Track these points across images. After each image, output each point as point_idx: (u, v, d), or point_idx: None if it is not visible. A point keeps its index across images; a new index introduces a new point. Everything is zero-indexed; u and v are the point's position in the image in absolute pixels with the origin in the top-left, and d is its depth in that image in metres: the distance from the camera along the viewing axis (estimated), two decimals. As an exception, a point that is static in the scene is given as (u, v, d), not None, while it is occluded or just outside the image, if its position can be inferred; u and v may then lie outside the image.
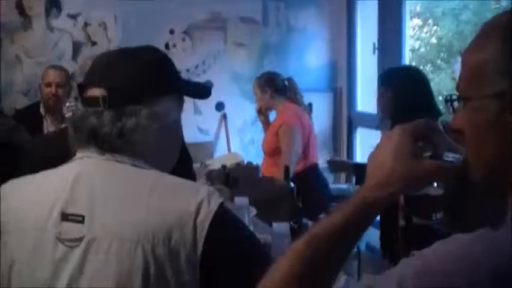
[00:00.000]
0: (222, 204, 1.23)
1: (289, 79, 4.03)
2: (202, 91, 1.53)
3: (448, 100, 0.94)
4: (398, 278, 0.78)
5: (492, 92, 0.83)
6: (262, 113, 4.11)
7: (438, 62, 7.44)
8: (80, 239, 1.21)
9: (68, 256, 1.22)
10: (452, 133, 0.95)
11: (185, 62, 5.07)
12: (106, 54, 1.44)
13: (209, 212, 1.20)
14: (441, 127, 1.00)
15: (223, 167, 3.40)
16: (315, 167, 3.96)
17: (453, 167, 0.95)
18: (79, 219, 1.22)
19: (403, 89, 2.95)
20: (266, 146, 3.94)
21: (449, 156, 0.98)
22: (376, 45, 4.96)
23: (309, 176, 3.80)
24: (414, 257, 0.82)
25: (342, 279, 1.85)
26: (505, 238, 0.78)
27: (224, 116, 5.21)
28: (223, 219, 1.22)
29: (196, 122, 5.13)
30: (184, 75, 5.08)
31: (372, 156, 1.01)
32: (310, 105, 5.22)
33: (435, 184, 1.66)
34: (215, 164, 3.92)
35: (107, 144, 1.29)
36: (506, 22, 0.83)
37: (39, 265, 1.25)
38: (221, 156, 4.65)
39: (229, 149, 5.21)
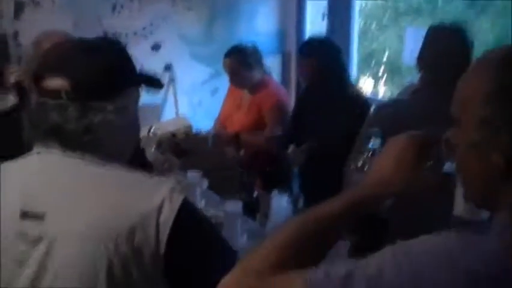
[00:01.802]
0: (183, 201, 1.23)
1: (255, 46, 3.78)
2: (157, 82, 1.51)
3: None
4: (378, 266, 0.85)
5: (479, 118, 0.88)
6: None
7: (384, 21, 7.53)
8: (41, 238, 1.20)
9: (30, 254, 1.20)
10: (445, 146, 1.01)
11: (133, 23, 4.96)
12: (65, 44, 1.40)
13: (171, 211, 1.20)
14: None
15: (173, 135, 3.38)
16: None
17: (448, 181, 1.04)
18: (39, 217, 1.20)
19: (327, 57, 3.22)
20: (247, 125, 3.67)
21: (450, 167, 1.05)
22: (325, 12, 4.98)
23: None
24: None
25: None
26: (488, 243, 0.84)
27: (172, 78, 5.15)
28: (186, 217, 1.22)
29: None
30: (132, 37, 5.00)
31: (378, 157, 1.09)
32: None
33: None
34: (163, 128, 3.88)
35: (72, 140, 1.26)
36: (497, 60, 0.89)
37: (2, 262, 1.23)
38: (169, 120, 4.60)
39: (177, 111, 5.18)
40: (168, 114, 5.15)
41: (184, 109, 5.20)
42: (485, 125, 0.87)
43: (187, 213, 1.23)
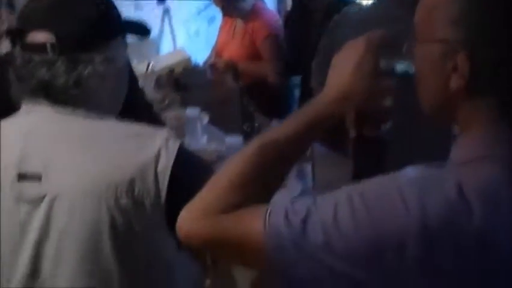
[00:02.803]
0: (180, 148, 1.23)
1: None
2: (144, 29, 1.48)
3: None
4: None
5: (438, 37, 0.86)
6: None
7: None
8: (41, 198, 1.20)
9: (32, 216, 1.21)
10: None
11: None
12: None
13: (168, 160, 1.20)
14: None
15: (171, 71, 3.36)
16: None
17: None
18: (36, 177, 1.21)
19: None
20: (242, 55, 3.62)
21: (402, 64, 1.01)
22: None
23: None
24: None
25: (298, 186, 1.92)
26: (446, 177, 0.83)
27: (167, 10, 5.06)
28: (183, 164, 1.23)
29: (138, 18, 4.97)
30: (122, -31, 4.89)
31: (335, 65, 1.03)
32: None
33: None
34: (161, 63, 3.85)
35: (63, 95, 1.25)
36: None
37: (5, 227, 1.24)
38: (167, 54, 4.55)
39: (174, 44, 5.11)
40: (166, 47, 5.09)
41: (182, 40, 5.14)
42: (444, 42, 0.85)
43: (184, 159, 1.24)
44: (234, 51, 3.67)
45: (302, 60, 3.02)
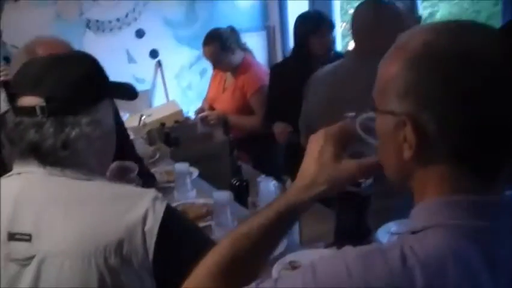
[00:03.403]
0: (166, 209, 1.27)
1: (232, 27, 3.77)
2: (131, 92, 1.53)
3: None
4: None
5: (390, 109, 0.89)
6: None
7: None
8: (30, 258, 1.23)
9: (20, 275, 1.24)
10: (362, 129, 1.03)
11: (115, 11, 4.98)
12: (36, 61, 1.41)
13: (155, 220, 1.24)
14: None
15: (162, 125, 3.41)
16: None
17: (371, 166, 1.03)
18: (26, 238, 1.24)
19: None
20: (233, 108, 3.69)
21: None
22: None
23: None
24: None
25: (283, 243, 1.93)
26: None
27: (159, 63, 5.16)
28: (170, 224, 1.27)
29: (131, 71, 5.07)
30: (115, 25, 5.00)
31: (305, 155, 1.07)
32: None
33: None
34: (154, 115, 3.91)
35: (51, 157, 1.29)
36: (414, 48, 0.87)
37: None
38: (159, 106, 4.63)
39: (167, 96, 5.20)
40: (158, 99, 5.18)
41: (174, 93, 5.23)
42: (394, 114, 0.88)
43: (170, 219, 1.28)
44: (225, 104, 3.73)
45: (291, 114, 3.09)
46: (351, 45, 2.40)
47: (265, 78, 3.67)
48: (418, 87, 0.85)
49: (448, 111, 0.83)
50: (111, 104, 1.44)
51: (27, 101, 1.31)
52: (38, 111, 1.28)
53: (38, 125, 1.28)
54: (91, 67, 1.41)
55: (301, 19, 3.40)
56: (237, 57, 3.65)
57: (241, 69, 3.68)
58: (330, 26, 3.33)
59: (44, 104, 1.28)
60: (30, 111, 1.29)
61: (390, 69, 0.90)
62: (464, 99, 0.82)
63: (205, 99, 4.09)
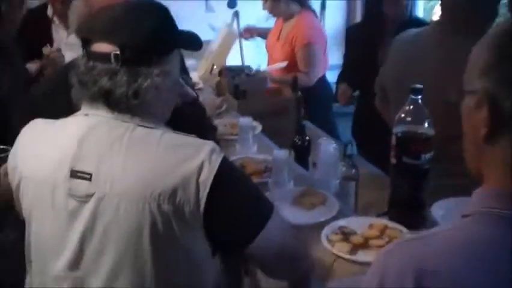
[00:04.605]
0: (222, 162, 1.30)
1: None
2: (198, 42, 1.55)
3: None
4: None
5: (470, 89, 0.93)
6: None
7: None
8: (89, 196, 1.30)
9: (79, 210, 1.31)
10: None
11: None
12: (110, 9, 1.43)
13: (210, 172, 1.27)
14: None
15: (233, 77, 3.44)
16: (323, 79, 3.90)
17: None
18: (87, 176, 1.30)
19: None
20: (279, 54, 3.81)
21: None
22: None
23: (317, 90, 3.74)
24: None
25: (336, 205, 1.95)
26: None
27: (236, 13, 5.14)
28: (224, 177, 1.30)
29: (208, 19, 5.09)
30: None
31: None
32: (323, 3, 5.17)
33: (426, 124, 1.74)
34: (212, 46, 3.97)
35: (122, 104, 1.33)
36: (498, 31, 0.94)
37: (54, 217, 1.35)
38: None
39: (241, 47, 5.19)
40: (232, 52, 5.17)
41: (248, 45, 5.18)
42: (474, 94, 0.91)
43: (225, 173, 1.31)
44: (278, 53, 3.86)
45: (363, 77, 3.06)
46: (436, 14, 2.30)
47: (317, 36, 3.77)
48: (497, 66, 0.89)
49: None
50: (178, 54, 1.47)
51: (102, 47, 1.34)
52: (113, 58, 1.32)
53: (111, 72, 1.32)
54: (164, 17, 1.43)
55: None
56: (291, 8, 3.77)
57: (295, 21, 3.78)
58: None
59: (118, 52, 1.32)
60: (104, 57, 1.33)
61: (476, 51, 0.95)
62: None
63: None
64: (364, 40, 3.27)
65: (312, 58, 3.73)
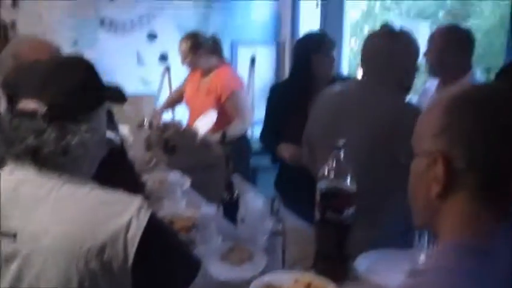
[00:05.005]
0: (150, 218, 1.31)
1: (215, 36, 4.01)
2: (122, 96, 1.55)
3: None
4: None
5: (423, 150, 1.01)
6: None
7: (388, 2, 7.55)
8: (15, 255, 1.27)
9: (5, 270, 1.28)
10: None
11: (130, 12, 5.03)
12: (36, 65, 1.44)
13: (138, 227, 1.28)
14: None
15: (162, 131, 3.44)
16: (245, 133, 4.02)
17: None
18: (12, 235, 1.28)
19: None
20: (202, 106, 3.87)
21: None
22: (319, 1, 5.03)
23: (241, 142, 3.85)
24: None
25: (263, 261, 1.97)
26: None
27: (167, 68, 5.21)
28: (152, 234, 1.30)
29: (139, 73, 5.14)
30: (128, 26, 5.06)
31: None
32: (253, 59, 5.30)
33: (348, 180, 1.80)
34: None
35: (50, 161, 1.33)
36: (451, 96, 1.01)
37: None
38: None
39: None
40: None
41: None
42: (427, 155, 0.99)
43: (153, 229, 1.31)
44: (200, 104, 3.93)
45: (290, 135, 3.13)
46: (360, 71, 2.39)
47: (240, 85, 3.94)
48: (452, 126, 0.97)
49: (477, 148, 0.94)
50: (105, 108, 1.48)
51: (29, 104, 1.34)
52: (40, 116, 1.32)
53: (39, 130, 1.31)
54: (90, 73, 1.45)
55: (304, 38, 3.43)
56: (207, 61, 3.91)
57: (216, 73, 3.91)
58: (333, 44, 3.34)
59: (46, 109, 1.32)
60: (31, 115, 1.32)
61: (428, 115, 1.03)
62: (492, 137, 0.94)
63: (171, 95, 4.49)
64: (291, 98, 3.31)
65: (243, 104, 3.89)
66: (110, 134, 1.74)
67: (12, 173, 1.35)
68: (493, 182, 0.94)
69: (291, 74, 3.44)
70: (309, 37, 3.42)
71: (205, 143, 3.30)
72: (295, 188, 2.87)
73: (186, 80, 4.25)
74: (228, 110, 3.82)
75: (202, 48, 3.86)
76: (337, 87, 2.49)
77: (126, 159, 2.06)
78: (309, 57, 3.23)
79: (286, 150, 3.20)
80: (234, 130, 3.77)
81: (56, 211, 1.29)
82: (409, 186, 1.07)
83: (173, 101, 4.39)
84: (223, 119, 3.76)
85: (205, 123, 3.66)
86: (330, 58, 3.29)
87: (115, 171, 1.92)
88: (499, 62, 4.29)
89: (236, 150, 3.34)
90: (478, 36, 5.54)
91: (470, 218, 0.96)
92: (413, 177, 1.05)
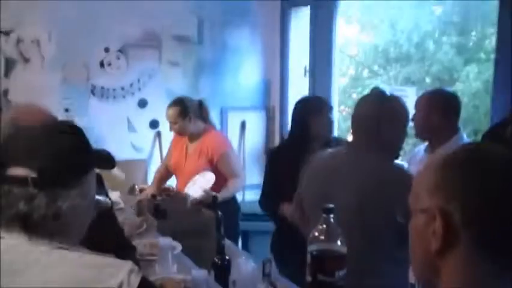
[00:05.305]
0: (141, 282, 1.29)
1: (201, 101, 4.04)
2: (111, 160, 1.54)
3: None
4: None
5: (421, 207, 1.03)
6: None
7: (375, 67, 7.72)
8: None
9: None
10: None
11: (120, 80, 5.11)
12: (27, 132, 1.44)
13: None
14: None
15: (153, 196, 3.45)
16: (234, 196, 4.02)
17: None
18: None
19: None
20: (193, 169, 3.87)
21: None
22: (307, 69, 5.13)
23: (230, 204, 3.82)
24: None
25: None
26: None
27: (158, 134, 5.25)
28: None
29: (130, 139, 5.17)
30: (119, 93, 5.13)
31: None
32: (243, 123, 5.36)
33: (339, 242, 1.80)
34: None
35: (40, 228, 1.32)
36: (443, 156, 1.04)
37: None
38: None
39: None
40: (154, 169, 5.22)
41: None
42: (425, 212, 1.01)
43: None
44: (189, 168, 3.91)
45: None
46: (351, 135, 2.44)
47: (230, 146, 4.00)
48: (446, 182, 0.99)
49: (471, 204, 0.96)
50: (95, 173, 1.49)
51: (18, 171, 1.33)
52: (30, 183, 1.31)
53: (29, 196, 1.31)
54: (80, 138, 1.45)
55: (302, 101, 3.49)
56: (196, 126, 3.92)
57: (204, 137, 3.93)
58: (330, 107, 3.44)
59: (36, 176, 1.31)
60: (21, 182, 1.31)
61: (423, 174, 1.06)
62: (483, 192, 0.96)
63: (161, 166, 4.42)
64: (292, 159, 3.33)
65: (235, 162, 3.96)
66: (99, 197, 1.75)
67: (3, 239, 1.34)
68: (491, 238, 0.96)
69: (291, 135, 3.48)
70: (308, 100, 3.53)
71: (195, 207, 3.30)
72: (291, 251, 2.86)
73: (171, 147, 4.24)
74: (221, 171, 3.83)
75: (191, 113, 3.88)
76: (328, 151, 2.52)
77: (115, 222, 2.05)
78: (308, 118, 3.30)
79: (289, 210, 3.21)
80: (232, 189, 3.83)
81: (46, 276, 1.27)
82: (409, 244, 1.08)
83: (162, 178, 4.28)
84: (218, 181, 3.76)
85: (204, 181, 3.66)
86: (329, 119, 3.36)
87: (104, 233, 1.92)
88: (485, 124, 4.38)
89: (225, 213, 3.34)
90: (465, 100, 5.69)
91: (469, 274, 0.97)
92: (412, 235, 1.07)
